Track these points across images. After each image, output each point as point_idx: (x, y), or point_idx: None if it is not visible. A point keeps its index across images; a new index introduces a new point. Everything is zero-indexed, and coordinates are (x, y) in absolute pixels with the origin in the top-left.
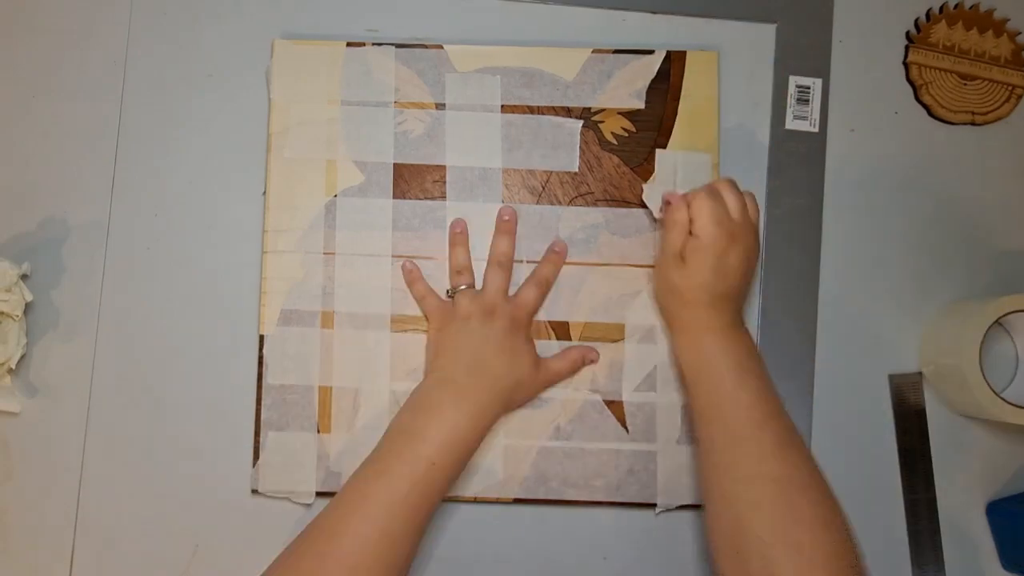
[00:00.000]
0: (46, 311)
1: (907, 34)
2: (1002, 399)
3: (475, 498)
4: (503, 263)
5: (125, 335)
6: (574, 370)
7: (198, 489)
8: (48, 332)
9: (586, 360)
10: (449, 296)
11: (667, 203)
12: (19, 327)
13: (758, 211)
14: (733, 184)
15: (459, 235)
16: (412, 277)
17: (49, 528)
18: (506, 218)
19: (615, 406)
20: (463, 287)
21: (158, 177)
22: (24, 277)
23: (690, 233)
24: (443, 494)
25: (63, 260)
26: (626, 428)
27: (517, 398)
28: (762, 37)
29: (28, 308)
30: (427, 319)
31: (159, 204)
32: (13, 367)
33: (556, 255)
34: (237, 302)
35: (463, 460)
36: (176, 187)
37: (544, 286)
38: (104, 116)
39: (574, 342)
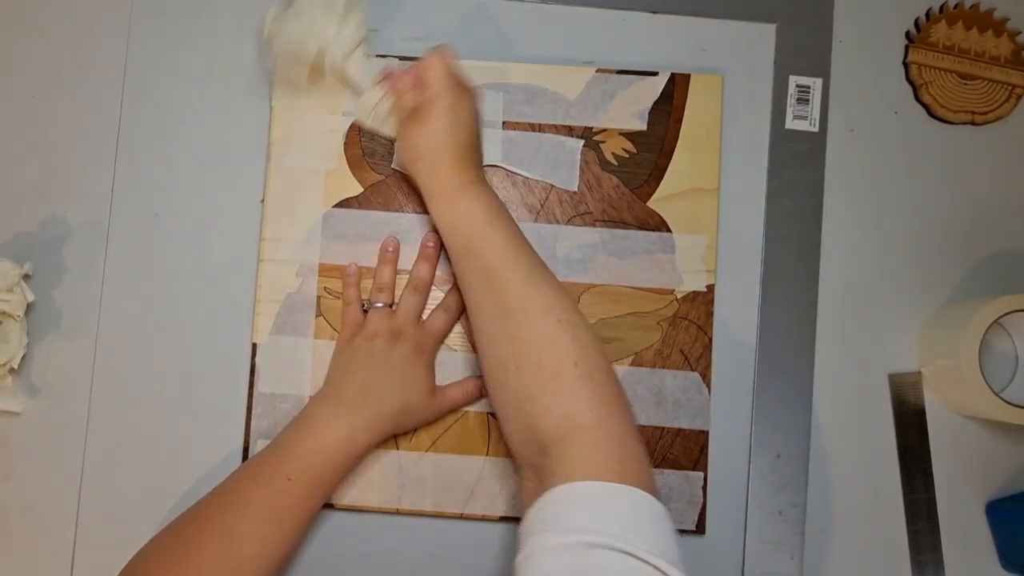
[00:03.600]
0: (47, 311)
1: (907, 34)
2: (1001, 399)
3: (461, 515)
4: (419, 288)
5: (125, 335)
6: (469, 400)
7: (193, 494)
8: (49, 332)
9: (484, 392)
10: (364, 311)
11: (390, 73)
12: (20, 327)
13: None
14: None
15: (389, 254)
16: (349, 280)
17: (49, 528)
18: (430, 244)
19: None
20: (379, 305)
21: (158, 177)
22: (26, 277)
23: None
24: (308, 509)
25: (64, 260)
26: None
27: (405, 422)
28: (762, 37)
29: (29, 308)
30: (341, 327)
31: (159, 204)
32: (15, 367)
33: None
34: (233, 308)
35: (330, 478)
36: (176, 188)
37: (454, 313)
38: (104, 116)
39: None
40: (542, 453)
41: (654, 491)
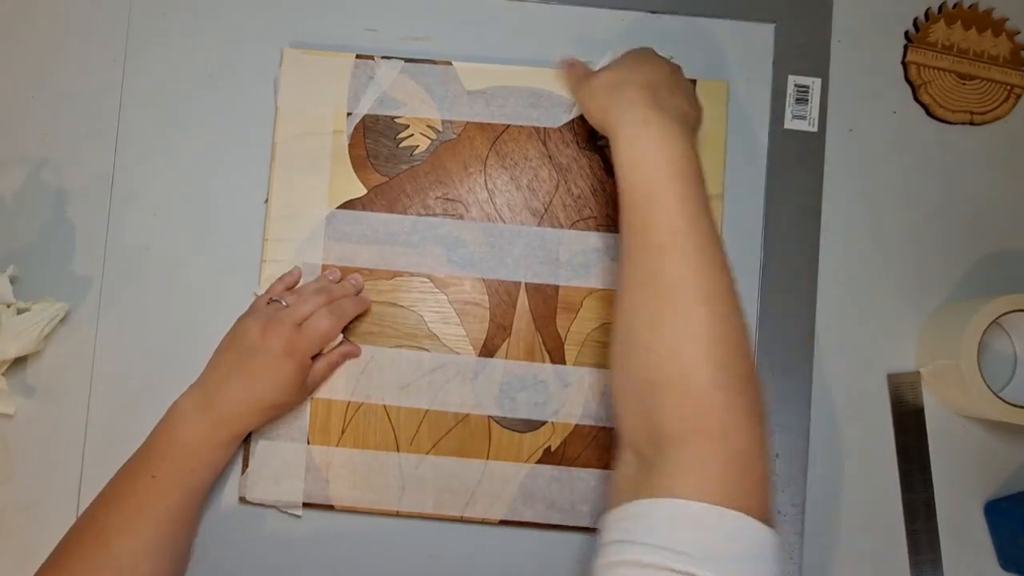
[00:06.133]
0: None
1: (906, 33)
2: (1000, 399)
3: (461, 517)
4: (323, 303)
5: (125, 335)
6: (333, 370)
7: None
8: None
9: (348, 357)
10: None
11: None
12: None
13: None
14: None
15: (328, 279)
16: (290, 277)
17: (49, 528)
18: (352, 282)
19: (606, 432)
20: (276, 299)
21: (158, 177)
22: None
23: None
24: (180, 502)
25: (64, 260)
26: (615, 454)
27: (274, 415)
28: (761, 36)
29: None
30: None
31: (159, 204)
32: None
33: (362, 300)
34: (235, 308)
35: (200, 470)
36: (176, 188)
37: (341, 319)
38: (103, 116)
39: (568, 366)
40: (653, 445)
41: (769, 518)
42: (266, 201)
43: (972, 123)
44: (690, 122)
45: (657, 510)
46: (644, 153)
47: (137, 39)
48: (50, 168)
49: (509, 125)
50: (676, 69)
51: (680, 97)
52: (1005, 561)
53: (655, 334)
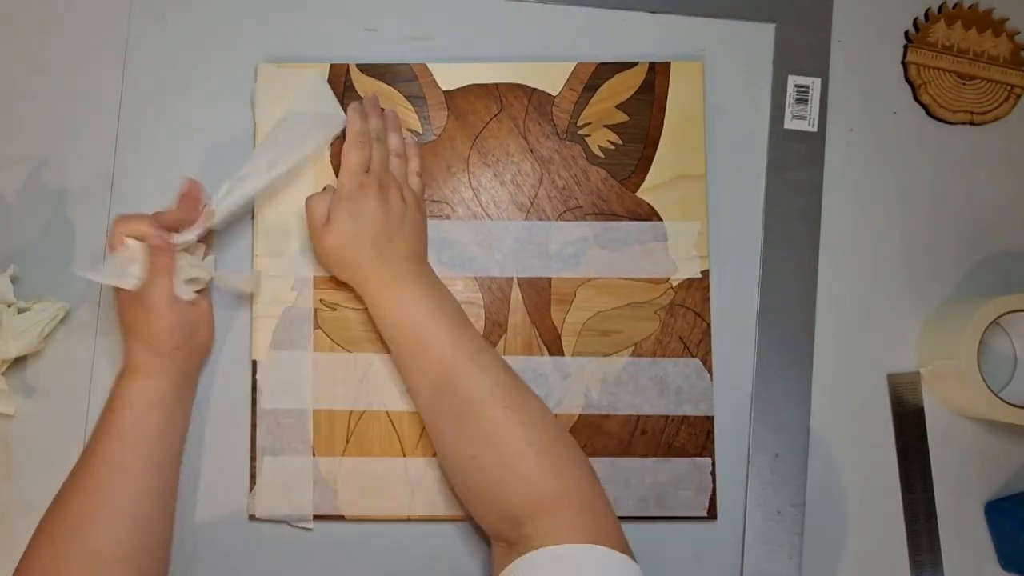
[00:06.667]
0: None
1: (906, 34)
2: (1000, 399)
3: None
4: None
5: None
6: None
7: (198, 503)
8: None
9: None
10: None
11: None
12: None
13: (416, 154)
14: (379, 137)
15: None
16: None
17: None
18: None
19: (610, 420)
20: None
21: (158, 177)
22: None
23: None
24: (120, 467)
25: (63, 260)
26: (620, 442)
27: (188, 343)
28: (761, 36)
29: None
30: None
31: (159, 204)
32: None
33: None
34: (233, 307)
35: (128, 433)
36: (176, 188)
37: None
38: (103, 116)
39: (567, 357)
40: (515, 527)
41: (626, 550)
42: (252, 217)
43: (972, 123)
44: (415, 242)
45: (526, 562)
46: (401, 312)
47: (137, 39)
48: (50, 168)
49: (489, 121)
50: (382, 189)
51: (398, 229)
52: (1005, 561)
53: (473, 445)
